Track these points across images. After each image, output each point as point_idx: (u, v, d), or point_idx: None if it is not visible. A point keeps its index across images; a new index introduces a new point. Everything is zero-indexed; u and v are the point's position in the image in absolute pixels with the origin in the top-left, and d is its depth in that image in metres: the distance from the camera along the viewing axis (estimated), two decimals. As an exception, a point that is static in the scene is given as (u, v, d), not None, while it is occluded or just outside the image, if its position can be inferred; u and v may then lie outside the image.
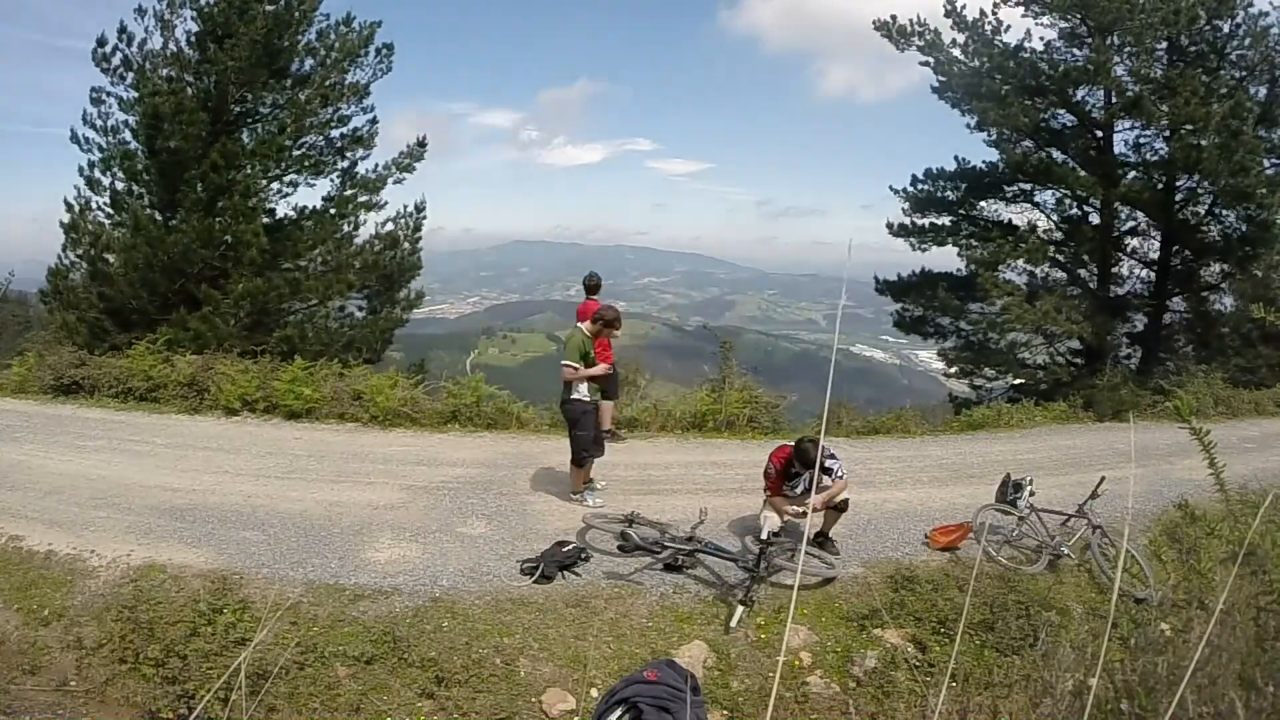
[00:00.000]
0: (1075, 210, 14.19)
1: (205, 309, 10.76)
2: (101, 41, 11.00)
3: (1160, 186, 13.07)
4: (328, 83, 11.80)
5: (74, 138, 11.20)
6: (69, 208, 11.20)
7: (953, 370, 15.15)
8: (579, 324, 6.11)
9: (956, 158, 14.70)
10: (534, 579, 4.83)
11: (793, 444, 5.05)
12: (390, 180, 12.44)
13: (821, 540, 5.33)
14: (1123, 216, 13.86)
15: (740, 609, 4.44)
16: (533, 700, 3.97)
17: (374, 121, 12.43)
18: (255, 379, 9.07)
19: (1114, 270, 14.07)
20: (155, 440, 7.79)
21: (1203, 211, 13.27)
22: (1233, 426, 9.71)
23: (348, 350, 11.27)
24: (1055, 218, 14.40)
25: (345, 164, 12.41)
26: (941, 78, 13.57)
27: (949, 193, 14.60)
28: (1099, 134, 13.35)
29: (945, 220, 14.59)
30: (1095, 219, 13.88)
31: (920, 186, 14.68)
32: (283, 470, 6.93)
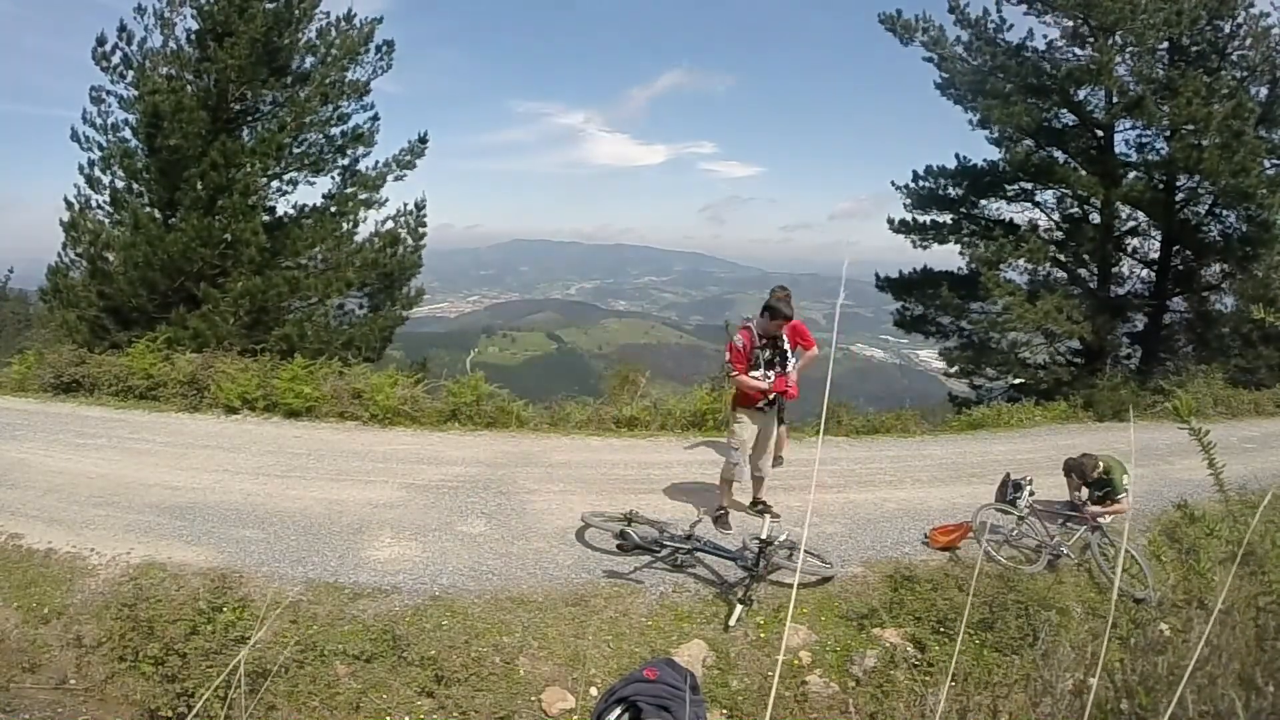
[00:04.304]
0: (1076, 210, 14.18)
1: (205, 307, 10.76)
2: (101, 40, 11.00)
3: (1161, 186, 13.05)
4: (328, 80, 11.80)
5: (74, 136, 11.22)
6: (69, 206, 11.22)
7: (953, 370, 15.12)
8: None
9: (958, 155, 14.67)
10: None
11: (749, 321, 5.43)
12: (390, 177, 12.45)
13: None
14: (1123, 216, 13.84)
15: (739, 608, 4.44)
16: (532, 699, 3.97)
17: (375, 119, 12.44)
18: (255, 377, 9.06)
19: (1114, 270, 14.05)
20: (155, 438, 7.79)
21: (1203, 211, 13.27)
22: (1233, 426, 9.70)
23: (347, 348, 11.26)
24: (1056, 217, 14.39)
25: (345, 162, 12.42)
26: (944, 74, 13.56)
27: (950, 190, 14.58)
28: (1100, 134, 13.33)
29: (947, 218, 14.55)
30: (1096, 219, 13.86)
31: (922, 183, 14.65)
32: (282, 468, 6.93)
